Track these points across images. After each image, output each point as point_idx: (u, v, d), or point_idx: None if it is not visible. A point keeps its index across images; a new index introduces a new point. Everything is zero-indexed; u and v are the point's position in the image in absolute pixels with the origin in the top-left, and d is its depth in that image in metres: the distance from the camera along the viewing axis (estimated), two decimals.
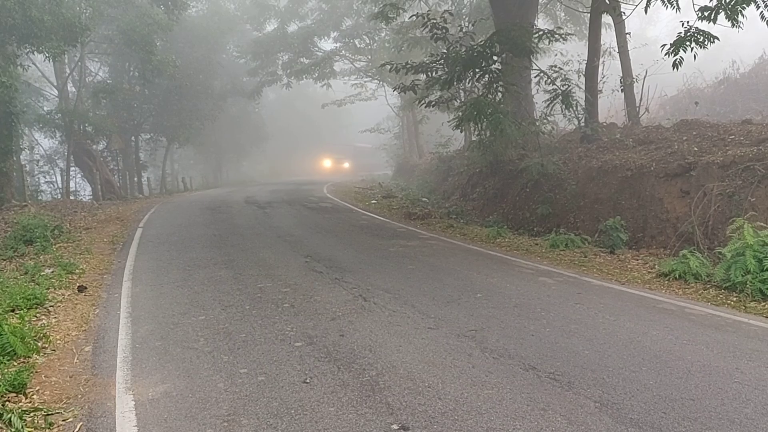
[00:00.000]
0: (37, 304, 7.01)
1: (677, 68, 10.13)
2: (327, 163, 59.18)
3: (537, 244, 11.96)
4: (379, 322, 6.39)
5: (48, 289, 7.88)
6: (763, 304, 7.14)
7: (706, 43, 9.87)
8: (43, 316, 6.77)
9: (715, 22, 9.43)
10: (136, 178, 33.76)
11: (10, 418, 4.14)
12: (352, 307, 6.97)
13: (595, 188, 13.35)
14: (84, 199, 26.89)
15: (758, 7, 9.50)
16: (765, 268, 7.34)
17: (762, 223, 8.22)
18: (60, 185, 30.76)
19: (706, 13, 9.49)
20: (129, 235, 13.14)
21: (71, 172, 28.58)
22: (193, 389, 4.68)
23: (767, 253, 7.48)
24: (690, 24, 10.03)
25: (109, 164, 31.31)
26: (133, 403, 4.48)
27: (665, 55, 10.29)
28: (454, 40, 17.36)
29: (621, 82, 16.38)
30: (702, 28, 9.96)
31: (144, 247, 11.38)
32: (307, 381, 4.79)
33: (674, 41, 10.11)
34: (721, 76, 26.85)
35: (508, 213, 15.99)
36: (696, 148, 12.10)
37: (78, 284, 8.29)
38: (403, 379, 4.80)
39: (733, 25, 9.37)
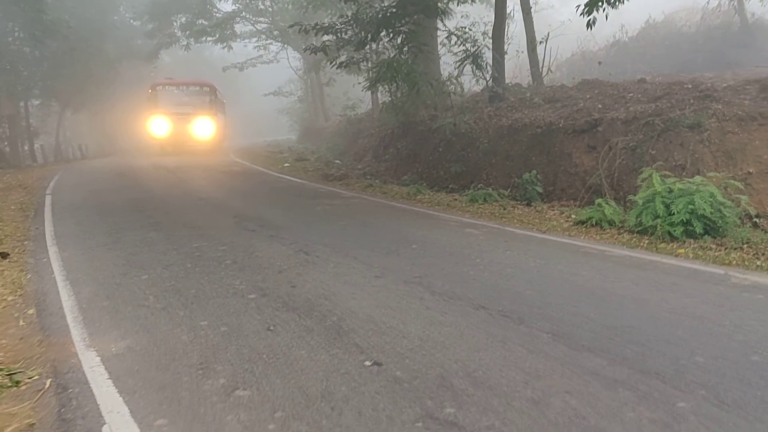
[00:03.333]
0: None
1: (591, 27, 10.69)
2: (160, 127, 27.00)
3: (456, 200, 12.39)
4: (326, 273, 6.54)
5: None
6: (671, 244, 7.81)
7: (617, 3, 10.46)
8: None
9: None
10: (26, 146, 31.88)
11: None
12: (295, 261, 7.08)
13: (506, 146, 13.90)
14: None
15: None
16: (672, 213, 8.00)
17: (667, 172, 8.92)
18: None
19: None
20: (38, 202, 12.54)
21: None
22: (157, 343, 4.69)
23: (673, 199, 8.15)
24: None
25: None
26: (99, 358, 4.44)
27: (580, 15, 10.83)
28: (364, 1, 17.40)
29: (528, 44, 16.96)
30: None
31: (59, 213, 10.92)
32: (272, 329, 4.90)
33: (588, 2, 10.64)
34: (611, 39, 28.32)
35: (422, 172, 16.36)
36: (600, 106, 12.83)
37: None
38: (364, 322, 5.00)
39: None
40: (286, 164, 21.59)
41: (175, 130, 26.71)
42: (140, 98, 41.65)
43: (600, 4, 10.50)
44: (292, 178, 17.18)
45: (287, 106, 46.81)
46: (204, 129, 27.27)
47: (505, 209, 10.97)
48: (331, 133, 30.09)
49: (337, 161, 21.61)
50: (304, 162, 21.77)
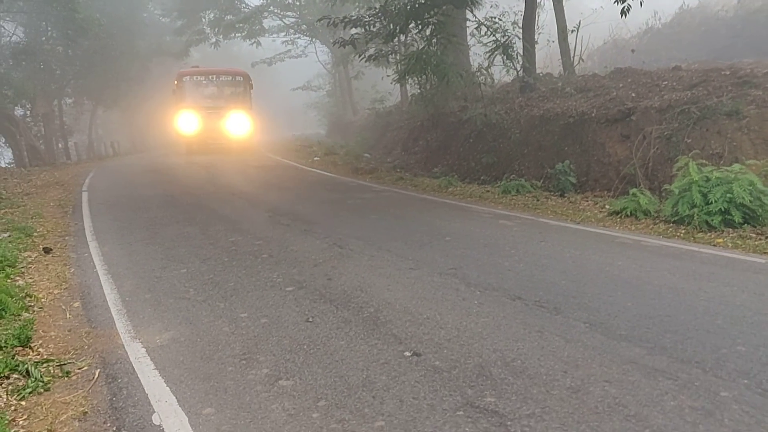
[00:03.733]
0: (9, 266, 6.87)
1: (625, 15, 10.56)
2: (188, 124, 23.62)
3: (488, 191, 12.37)
4: (361, 266, 6.61)
5: (14, 251, 7.69)
6: (709, 234, 7.73)
7: None
8: (18, 277, 6.66)
9: None
10: (60, 144, 32.53)
11: (27, 368, 4.17)
12: (330, 254, 7.16)
13: (538, 136, 13.82)
14: (4, 167, 25.79)
15: None
16: (709, 202, 7.91)
17: (704, 161, 8.80)
18: None
19: None
20: (75, 199, 12.80)
21: None
22: (200, 334, 4.80)
23: (710, 188, 8.05)
24: None
25: (32, 129, 29.99)
26: (144, 349, 4.56)
27: (614, 2, 10.69)
28: None
29: (559, 33, 16.80)
30: None
31: (96, 209, 11.14)
32: (310, 320, 4.98)
33: None
34: (644, 26, 27.85)
35: (452, 164, 16.34)
36: (634, 94, 12.68)
37: (42, 246, 8.12)
38: (401, 313, 5.05)
39: None
40: (316, 158, 21.73)
41: (205, 126, 23.26)
42: (170, 94, 42.20)
43: None
44: (322, 172, 17.29)
45: (315, 101, 47.00)
46: (238, 125, 23.79)
47: (538, 200, 10.93)
48: (360, 127, 30.13)
49: (366, 155, 21.66)
50: (333, 156, 21.87)
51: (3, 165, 26.93)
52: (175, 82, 24.28)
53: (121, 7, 32.45)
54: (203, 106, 23.43)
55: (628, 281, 5.80)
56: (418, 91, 18.69)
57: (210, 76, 24.43)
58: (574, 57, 17.66)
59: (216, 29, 37.00)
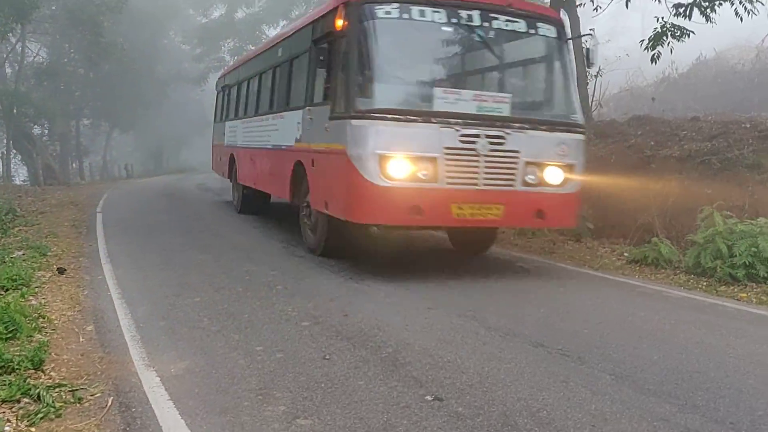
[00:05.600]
0: (23, 285, 6.79)
1: (655, 62, 10.61)
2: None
3: (502, 232, 12.23)
4: (378, 303, 6.52)
5: (29, 270, 7.63)
6: (732, 287, 7.61)
7: (683, 37, 10.35)
8: (32, 297, 6.58)
9: (690, 18, 9.91)
10: (74, 164, 32.77)
11: (38, 393, 4.06)
12: (346, 290, 7.07)
13: None
14: (19, 184, 25.94)
15: (732, 3, 9.99)
16: (734, 254, 7.80)
17: (728, 212, 8.69)
18: None
19: (680, 10, 9.98)
20: (89, 219, 12.78)
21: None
22: (215, 366, 4.68)
23: (735, 240, 7.95)
24: (666, 20, 10.51)
25: (48, 148, 30.25)
26: (158, 378, 4.44)
27: (644, 49, 10.75)
28: None
29: (578, 78, 16.79)
30: (677, 24, 10.44)
31: (110, 231, 11.09)
32: (327, 357, 4.86)
33: (652, 36, 10.56)
34: (660, 75, 27.94)
35: None
36: (653, 143, 12.63)
37: (56, 266, 8.06)
38: (420, 355, 4.93)
39: (707, 21, 9.87)
40: None
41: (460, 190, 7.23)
42: (188, 119, 42.25)
43: (665, 38, 10.40)
44: None
45: None
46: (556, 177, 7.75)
47: (554, 244, 10.82)
48: None
49: None
50: None
51: (18, 182, 27.07)
52: (341, 20, 7.06)
53: (142, 32, 32.91)
54: (460, 114, 7.21)
55: (653, 333, 5.67)
56: None
57: (465, 13, 7.44)
58: (592, 102, 17.67)
59: (235, 57, 37.44)
